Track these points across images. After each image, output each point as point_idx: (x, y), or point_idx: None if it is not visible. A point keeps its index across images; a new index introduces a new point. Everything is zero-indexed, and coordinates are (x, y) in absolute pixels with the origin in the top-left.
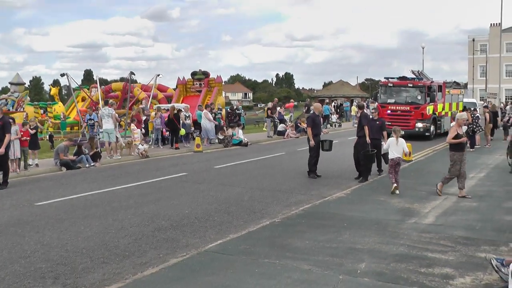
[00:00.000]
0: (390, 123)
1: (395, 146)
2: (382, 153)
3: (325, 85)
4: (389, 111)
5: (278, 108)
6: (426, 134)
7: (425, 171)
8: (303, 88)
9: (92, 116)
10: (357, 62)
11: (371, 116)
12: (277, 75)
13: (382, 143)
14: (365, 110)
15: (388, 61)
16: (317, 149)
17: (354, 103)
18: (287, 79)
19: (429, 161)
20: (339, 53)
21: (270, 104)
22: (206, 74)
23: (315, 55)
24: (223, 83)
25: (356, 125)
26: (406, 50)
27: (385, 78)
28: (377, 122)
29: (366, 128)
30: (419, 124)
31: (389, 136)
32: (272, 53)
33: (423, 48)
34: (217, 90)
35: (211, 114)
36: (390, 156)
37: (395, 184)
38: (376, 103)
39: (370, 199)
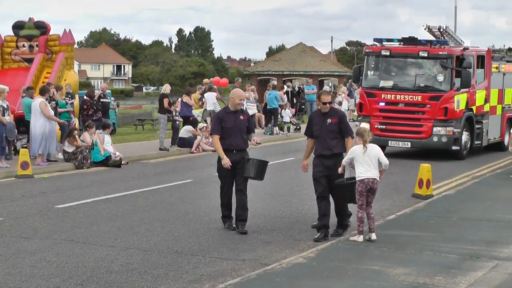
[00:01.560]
0: (384, 126)
1: (361, 158)
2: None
3: (271, 52)
4: (382, 103)
5: (183, 97)
6: (454, 148)
7: (456, 215)
8: (229, 57)
9: None
10: (333, 13)
11: (314, 107)
12: (180, 31)
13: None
14: (336, 103)
15: (391, 11)
16: (232, 175)
17: (326, 87)
18: (200, 40)
19: (463, 197)
20: None
21: (167, 88)
22: (42, 27)
23: None
24: (75, 46)
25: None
26: None
27: (375, 40)
28: (329, 120)
29: (350, 140)
30: (440, 129)
31: None
32: None
33: None
34: (63, 59)
35: (51, 104)
36: (359, 176)
37: (361, 229)
38: (358, 88)
39: (353, 269)
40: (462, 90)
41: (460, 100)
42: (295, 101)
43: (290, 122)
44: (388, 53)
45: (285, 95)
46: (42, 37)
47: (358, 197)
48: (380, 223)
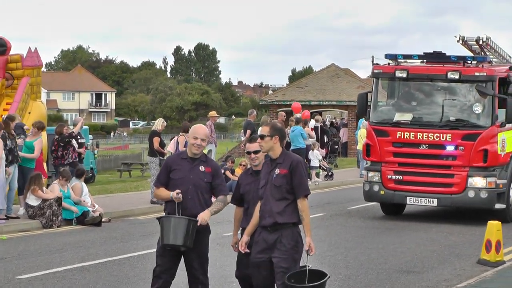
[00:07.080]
0: (400, 177)
1: None
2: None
3: (295, 76)
4: (398, 145)
5: (179, 136)
6: (498, 206)
7: None
8: (240, 83)
9: None
10: (374, 25)
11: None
12: (177, 50)
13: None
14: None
15: (449, 23)
16: (177, 256)
17: (365, 122)
18: (202, 60)
19: None
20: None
21: (159, 123)
22: (0, 45)
23: (272, 7)
24: (43, 69)
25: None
26: None
27: (388, 57)
28: (277, 170)
29: (304, 203)
30: (478, 181)
31: None
32: None
33: None
34: (27, 86)
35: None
36: None
37: None
38: (364, 123)
39: None
40: (508, 125)
41: (505, 140)
42: (325, 139)
43: (320, 166)
44: (405, 75)
45: (313, 131)
46: (1, 58)
47: None
48: None
